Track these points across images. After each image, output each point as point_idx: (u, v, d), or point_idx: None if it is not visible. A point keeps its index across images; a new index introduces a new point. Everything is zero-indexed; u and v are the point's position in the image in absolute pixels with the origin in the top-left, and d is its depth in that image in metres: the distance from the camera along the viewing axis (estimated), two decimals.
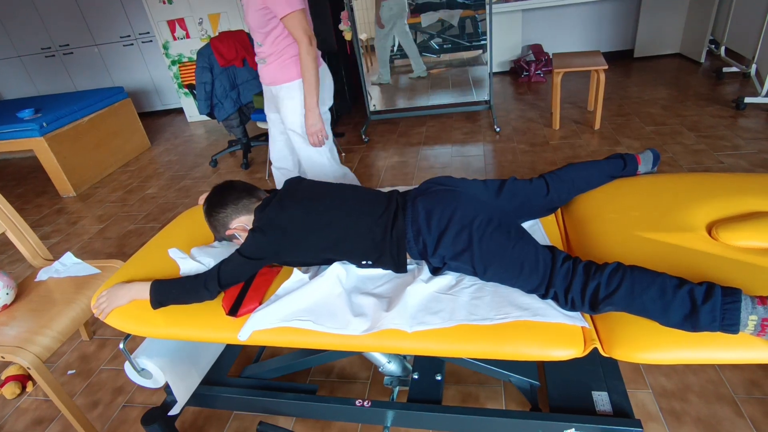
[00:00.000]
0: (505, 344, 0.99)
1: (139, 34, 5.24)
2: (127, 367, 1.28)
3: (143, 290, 1.21)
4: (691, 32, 4.49)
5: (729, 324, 0.84)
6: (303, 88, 1.89)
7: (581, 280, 0.98)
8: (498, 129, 3.61)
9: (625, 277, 0.94)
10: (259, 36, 1.88)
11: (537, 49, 4.88)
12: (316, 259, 1.26)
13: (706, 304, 0.85)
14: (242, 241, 1.35)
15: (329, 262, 1.25)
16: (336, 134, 3.97)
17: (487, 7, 3.53)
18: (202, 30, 4.72)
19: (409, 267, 1.22)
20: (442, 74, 5.16)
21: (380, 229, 1.18)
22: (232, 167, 3.77)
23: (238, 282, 1.21)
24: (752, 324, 0.84)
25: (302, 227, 1.19)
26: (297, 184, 1.33)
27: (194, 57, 4.16)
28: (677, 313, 0.88)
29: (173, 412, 1.35)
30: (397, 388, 1.41)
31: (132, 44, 5.33)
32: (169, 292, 1.19)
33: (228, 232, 1.30)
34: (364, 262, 1.22)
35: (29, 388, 1.85)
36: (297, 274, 1.23)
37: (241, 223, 1.28)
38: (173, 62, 4.93)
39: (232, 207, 1.28)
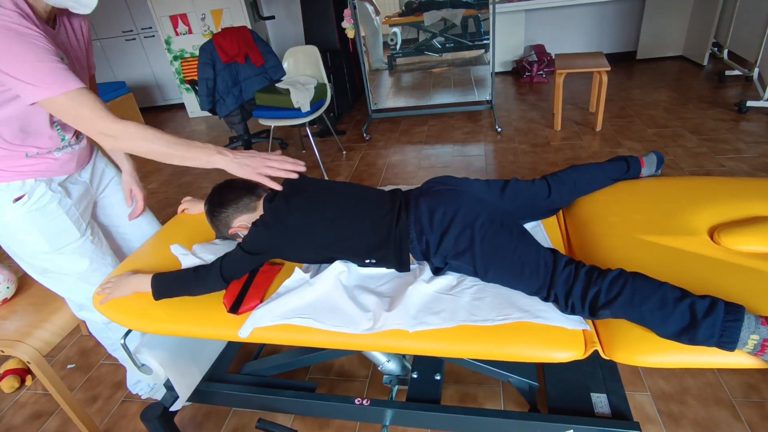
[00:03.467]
0: (506, 345, 0.99)
1: (142, 29, 5.24)
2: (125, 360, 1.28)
3: (145, 282, 1.20)
4: (694, 35, 4.49)
5: (726, 341, 0.83)
6: None
7: (582, 285, 0.98)
8: (499, 129, 3.61)
9: (626, 286, 0.93)
10: None
11: (539, 49, 4.87)
12: (318, 256, 1.26)
13: (707, 319, 0.84)
14: None
15: (331, 261, 1.25)
16: (337, 132, 3.98)
17: (491, 6, 3.52)
18: (205, 26, 4.71)
19: (410, 266, 1.22)
20: (444, 73, 5.15)
21: (384, 228, 1.18)
22: None
23: (240, 275, 1.19)
24: (752, 343, 0.82)
25: (307, 223, 1.19)
26: (300, 181, 1.33)
27: (196, 53, 4.15)
28: (675, 325, 0.87)
29: (174, 408, 1.35)
30: (396, 387, 1.41)
31: (134, 39, 5.33)
32: (171, 283, 1.19)
33: (231, 231, 1.29)
34: (367, 261, 1.22)
35: (28, 381, 1.85)
36: (298, 273, 1.23)
37: (244, 222, 1.28)
38: (175, 57, 4.92)
39: (233, 207, 1.27)
